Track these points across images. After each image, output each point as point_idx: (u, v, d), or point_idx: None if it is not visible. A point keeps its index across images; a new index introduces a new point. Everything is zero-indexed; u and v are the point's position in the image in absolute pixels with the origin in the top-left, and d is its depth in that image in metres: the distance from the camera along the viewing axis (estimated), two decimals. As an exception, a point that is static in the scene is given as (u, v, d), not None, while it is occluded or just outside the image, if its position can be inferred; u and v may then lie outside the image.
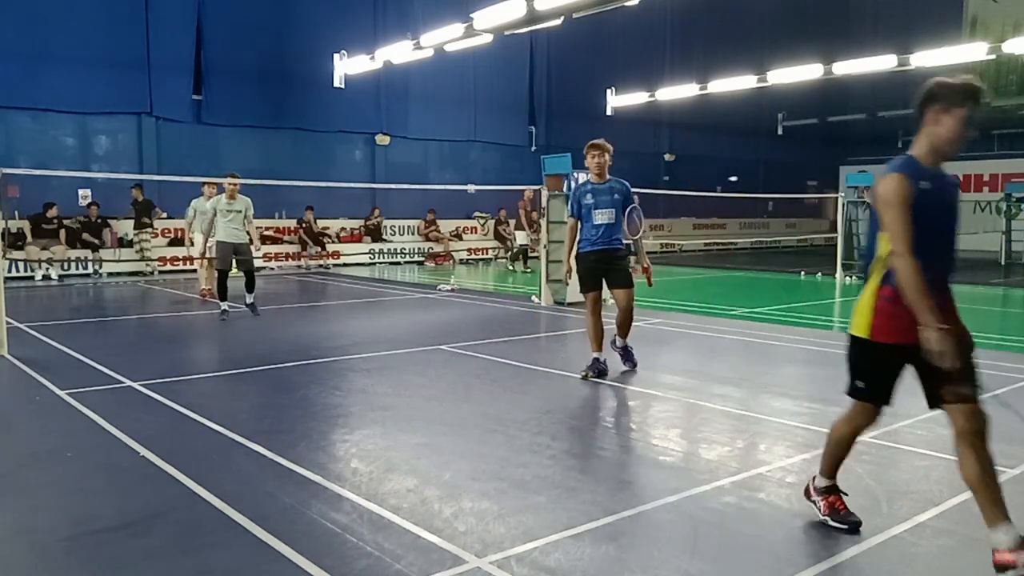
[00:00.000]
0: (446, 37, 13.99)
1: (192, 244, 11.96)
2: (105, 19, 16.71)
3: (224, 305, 10.27)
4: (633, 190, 6.91)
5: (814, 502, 3.59)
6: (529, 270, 18.00)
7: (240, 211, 10.22)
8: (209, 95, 18.39)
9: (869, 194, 3.24)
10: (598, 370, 6.60)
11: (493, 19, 12.47)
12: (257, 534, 3.43)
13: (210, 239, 11.33)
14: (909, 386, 3.51)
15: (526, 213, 18.42)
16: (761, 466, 4.37)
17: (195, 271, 13.32)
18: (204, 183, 11.95)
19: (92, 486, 4.13)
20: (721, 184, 25.29)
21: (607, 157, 6.65)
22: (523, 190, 17.29)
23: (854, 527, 3.45)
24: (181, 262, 16.56)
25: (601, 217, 6.60)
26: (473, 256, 21.36)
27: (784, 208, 29.42)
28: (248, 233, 10.34)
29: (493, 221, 21.36)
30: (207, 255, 11.86)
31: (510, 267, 18.29)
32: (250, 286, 10.42)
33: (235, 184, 10.26)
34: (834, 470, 3.55)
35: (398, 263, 20.21)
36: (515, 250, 18.88)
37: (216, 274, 10.38)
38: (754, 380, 6.64)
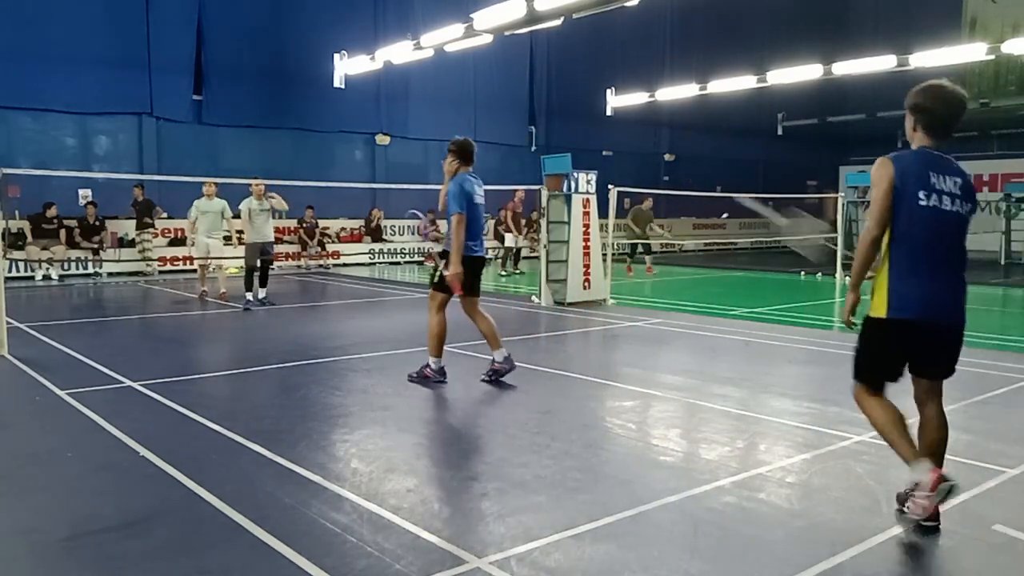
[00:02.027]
0: (446, 37, 13.99)
1: (194, 244, 12.01)
2: (105, 19, 16.70)
3: (248, 296, 11.17)
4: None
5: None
6: (519, 271, 17.95)
7: (268, 210, 11.06)
8: (209, 95, 18.39)
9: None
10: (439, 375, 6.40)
11: (493, 19, 12.47)
12: (257, 534, 3.43)
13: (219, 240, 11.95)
14: (909, 387, 3.52)
15: (513, 215, 18.13)
16: (761, 466, 4.37)
17: (195, 271, 13.32)
18: (204, 183, 11.98)
19: (92, 486, 4.13)
20: (721, 184, 25.26)
21: (449, 157, 6.43)
22: (515, 190, 17.20)
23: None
24: (181, 262, 16.56)
25: None
26: (473, 256, 21.26)
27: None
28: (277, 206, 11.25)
29: (493, 221, 21.34)
30: (211, 255, 11.91)
31: (501, 272, 18.02)
32: (264, 281, 11.29)
33: (261, 185, 11.11)
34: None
35: (398, 263, 20.20)
36: (501, 254, 18.65)
37: (231, 270, 11.04)
38: (754, 380, 6.64)
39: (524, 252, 19.09)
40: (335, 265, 19.06)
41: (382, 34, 18.92)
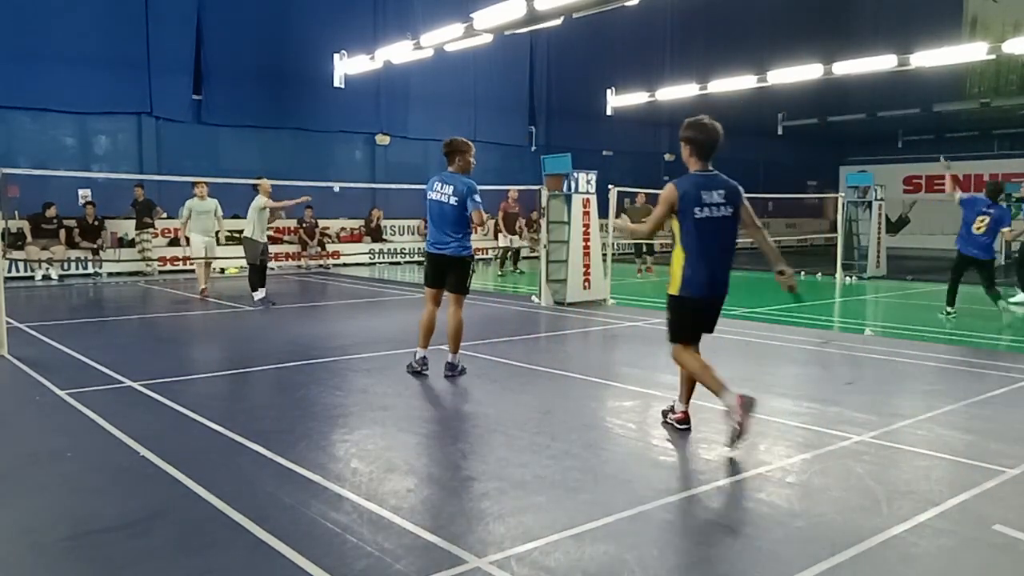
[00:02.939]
0: (446, 37, 13.98)
1: (188, 243, 12.09)
2: (105, 19, 16.70)
3: (259, 293, 11.28)
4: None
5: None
6: (519, 271, 17.94)
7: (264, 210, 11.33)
8: (209, 95, 18.39)
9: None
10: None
11: (493, 19, 12.46)
12: (257, 534, 3.43)
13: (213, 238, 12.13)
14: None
15: (504, 215, 18.02)
16: (761, 466, 4.38)
17: (194, 271, 13.34)
18: (196, 183, 12.05)
19: (92, 486, 4.13)
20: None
21: None
22: (507, 190, 17.14)
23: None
24: (181, 262, 16.56)
25: None
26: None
27: (784, 208, 29.40)
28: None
29: (493, 221, 21.33)
30: (208, 255, 11.97)
31: (499, 272, 17.96)
32: (263, 281, 11.40)
33: (268, 185, 11.36)
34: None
35: (398, 263, 20.21)
36: (499, 254, 18.56)
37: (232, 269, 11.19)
38: (754, 380, 6.62)
39: (524, 252, 19.06)
40: (335, 265, 19.07)
41: (382, 34, 18.92)
